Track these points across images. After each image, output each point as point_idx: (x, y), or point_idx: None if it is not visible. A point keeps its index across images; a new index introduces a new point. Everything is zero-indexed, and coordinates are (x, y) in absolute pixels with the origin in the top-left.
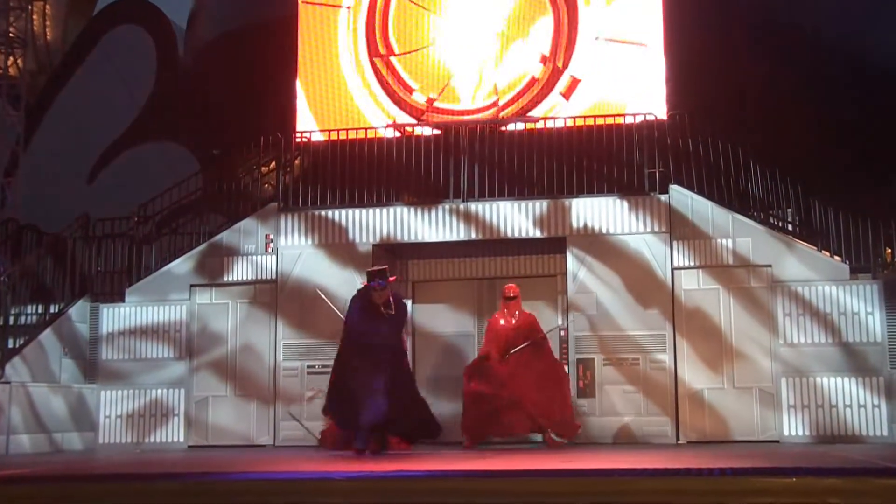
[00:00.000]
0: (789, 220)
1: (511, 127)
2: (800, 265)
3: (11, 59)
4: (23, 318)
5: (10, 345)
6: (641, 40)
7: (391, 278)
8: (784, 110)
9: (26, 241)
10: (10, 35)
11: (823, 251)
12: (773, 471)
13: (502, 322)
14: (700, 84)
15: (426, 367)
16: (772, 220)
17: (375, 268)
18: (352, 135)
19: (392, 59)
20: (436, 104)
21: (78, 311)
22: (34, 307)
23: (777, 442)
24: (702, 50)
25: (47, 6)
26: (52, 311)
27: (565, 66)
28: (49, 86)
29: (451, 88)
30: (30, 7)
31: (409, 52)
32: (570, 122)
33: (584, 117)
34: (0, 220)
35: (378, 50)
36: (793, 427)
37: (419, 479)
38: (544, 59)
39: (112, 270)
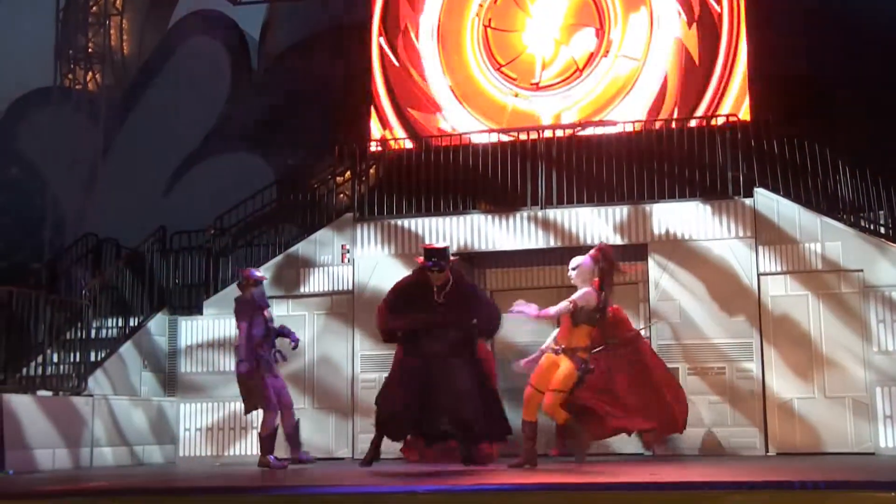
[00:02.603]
0: (881, 222)
1: (590, 131)
2: (893, 269)
3: (90, 74)
4: (103, 332)
5: (92, 358)
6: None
7: (453, 258)
8: (873, 109)
9: (106, 255)
10: (90, 51)
11: None
12: (869, 485)
13: None
14: (785, 83)
15: (504, 378)
16: (862, 223)
17: (434, 245)
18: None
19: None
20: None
21: (157, 324)
22: (114, 320)
23: (873, 454)
24: (787, 48)
25: (124, 20)
26: (131, 324)
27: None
28: (126, 99)
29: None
30: (107, 22)
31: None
32: (650, 125)
33: (665, 120)
34: (80, 234)
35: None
36: (889, 438)
37: (501, 494)
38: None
39: (189, 283)
